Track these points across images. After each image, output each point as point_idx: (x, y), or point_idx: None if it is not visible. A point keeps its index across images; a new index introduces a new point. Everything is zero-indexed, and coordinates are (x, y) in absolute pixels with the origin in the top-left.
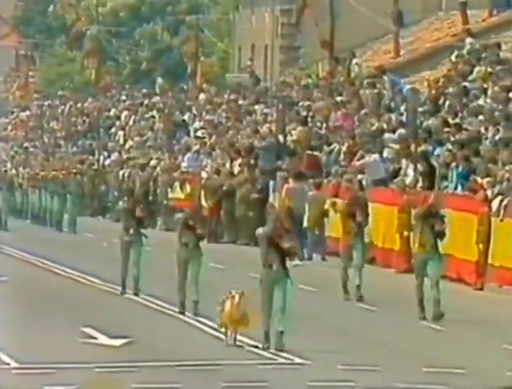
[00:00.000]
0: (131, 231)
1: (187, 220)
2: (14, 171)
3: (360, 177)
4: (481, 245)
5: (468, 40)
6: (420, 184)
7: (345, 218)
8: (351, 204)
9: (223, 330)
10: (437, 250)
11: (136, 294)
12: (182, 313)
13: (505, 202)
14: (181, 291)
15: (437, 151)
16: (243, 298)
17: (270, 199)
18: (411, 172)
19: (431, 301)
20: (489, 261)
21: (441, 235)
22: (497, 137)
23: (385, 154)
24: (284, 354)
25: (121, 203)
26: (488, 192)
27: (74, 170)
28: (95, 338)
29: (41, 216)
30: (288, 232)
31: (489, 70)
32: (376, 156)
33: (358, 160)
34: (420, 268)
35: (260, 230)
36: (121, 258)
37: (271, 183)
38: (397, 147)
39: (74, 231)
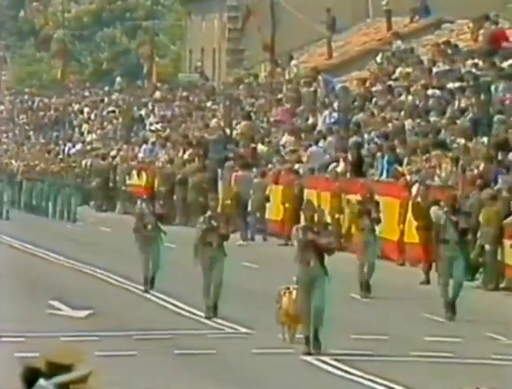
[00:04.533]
0: (149, 227)
1: (210, 220)
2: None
3: (297, 166)
4: (402, 226)
5: (398, 42)
6: (340, 170)
7: (359, 215)
8: (364, 202)
9: (282, 327)
10: (461, 248)
11: (147, 290)
12: (209, 318)
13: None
14: (206, 294)
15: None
16: None
17: (219, 186)
18: (342, 161)
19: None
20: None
21: (465, 232)
22: (416, 129)
23: (320, 145)
24: (231, 324)
25: (139, 200)
26: (409, 178)
27: (73, 164)
28: (60, 310)
29: (36, 206)
30: (326, 227)
31: (410, 70)
32: (315, 146)
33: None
34: (445, 267)
35: (295, 228)
36: (140, 255)
37: (220, 171)
38: (331, 138)
39: (74, 220)
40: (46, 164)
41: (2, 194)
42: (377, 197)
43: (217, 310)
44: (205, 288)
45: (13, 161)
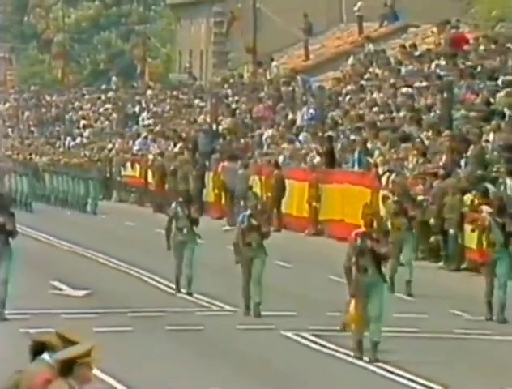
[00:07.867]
0: (185, 231)
1: (250, 218)
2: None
3: (279, 158)
4: None
5: (369, 45)
6: (317, 162)
7: (395, 215)
8: (401, 201)
9: (348, 331)
10: (507, 250)
11: (190, 294)
12: (248, 315)
13: (392, 177)
14: (245, 292)
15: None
16: None
17: (206, 176)
18: (317, 154)
19: (496, 302)
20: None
21: (510, 235)
22: (386, 124)
23: (300, 138)
24: (216, 302)
25: (174, 203)
26: (381, 170)
27: (96, 158)
28: (61, 289)
29: (58, 199)
30: (385, 234)
31: (380, 70)
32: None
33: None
34: (490, 268)
35: (354, 233)
36: (174, 258)
37: (207, 163)
38: (308, 133)
39: (95, 212)
40: (69, 158)
41: (26, 187)
42: (350, 186)
43: (259, 307)
44: (243, 288)
45: (33, 155)
